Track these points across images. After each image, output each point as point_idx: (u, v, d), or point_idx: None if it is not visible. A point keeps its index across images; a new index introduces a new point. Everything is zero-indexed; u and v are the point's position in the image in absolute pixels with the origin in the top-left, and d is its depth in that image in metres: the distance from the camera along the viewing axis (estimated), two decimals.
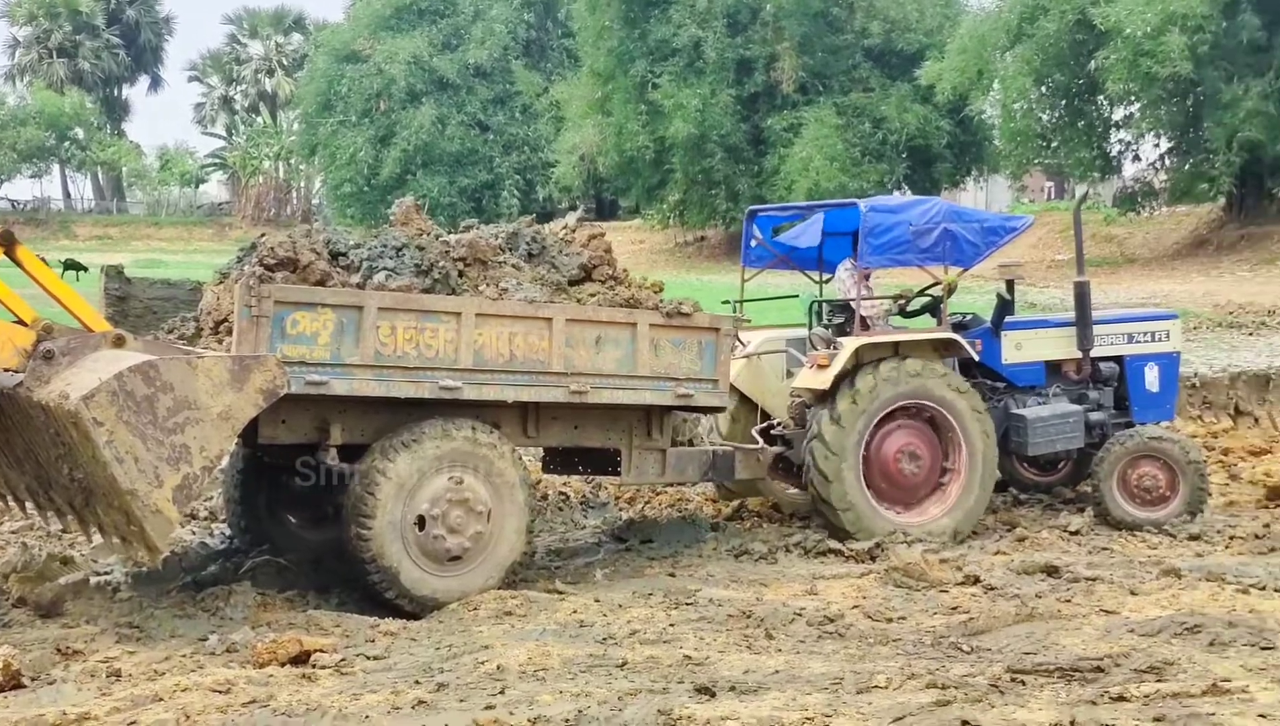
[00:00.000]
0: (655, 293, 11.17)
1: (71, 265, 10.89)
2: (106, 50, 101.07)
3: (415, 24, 70.81)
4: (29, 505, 10.49)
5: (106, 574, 10.84)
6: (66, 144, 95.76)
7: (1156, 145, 51.09)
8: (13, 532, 12.12)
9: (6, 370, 8.93)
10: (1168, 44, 40.57)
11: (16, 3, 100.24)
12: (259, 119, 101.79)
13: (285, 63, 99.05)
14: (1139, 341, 13.58)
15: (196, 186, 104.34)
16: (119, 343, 8.99)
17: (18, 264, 9.17)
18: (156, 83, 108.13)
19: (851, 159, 51.75)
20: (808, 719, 7.07)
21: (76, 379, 8.55)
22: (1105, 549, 11.81)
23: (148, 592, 10.27)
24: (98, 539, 9.98)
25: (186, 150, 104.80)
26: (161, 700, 7.59)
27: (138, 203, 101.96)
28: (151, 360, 8.54)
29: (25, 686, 7.94)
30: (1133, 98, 46.86)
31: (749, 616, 9.45)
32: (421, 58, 69.26)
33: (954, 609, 9.71)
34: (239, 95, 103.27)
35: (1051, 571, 10.74)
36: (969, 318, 13.38)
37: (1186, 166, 48.34)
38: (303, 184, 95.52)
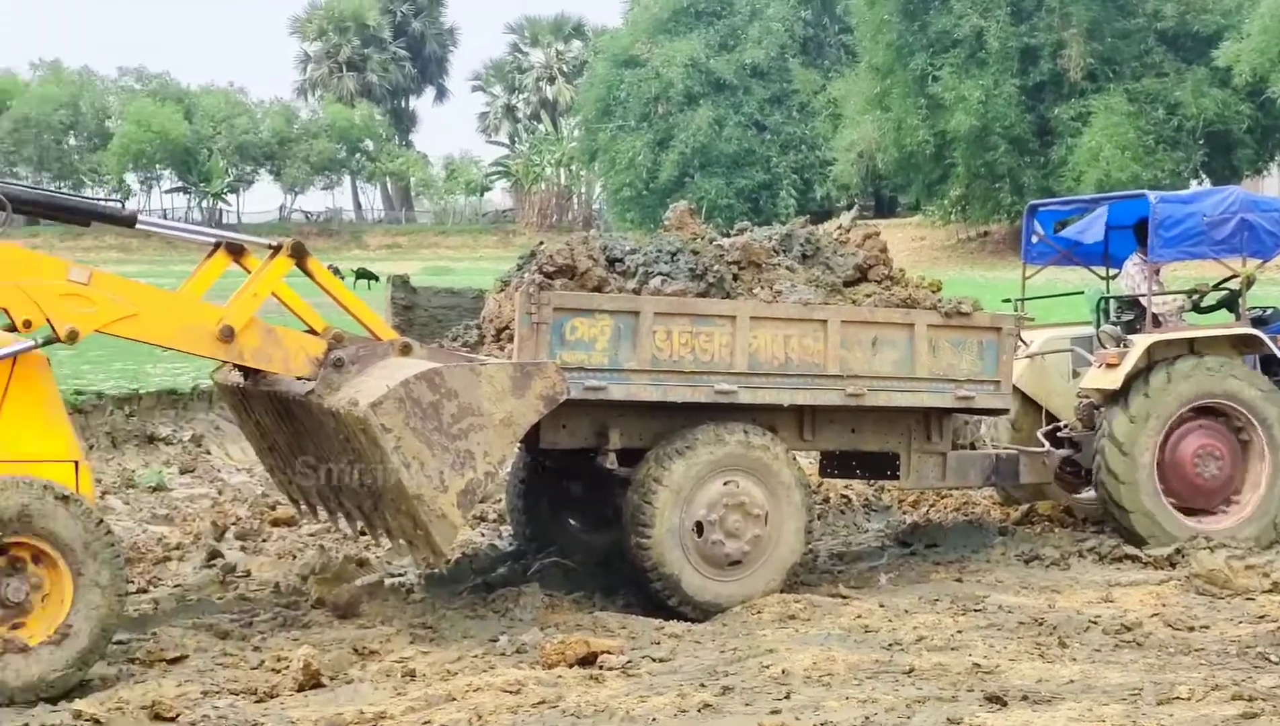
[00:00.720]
0: (933, 292, 10.95)
1: (363, 274, 11.24)
2: (394, 63, 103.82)
3: (692, 26, 71.19)
4: (320, 510, 10.76)
5: (400, 576, 11.14)
6: (356, 156, 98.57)
7: None
8: (310, 535, 12.54)
9: (299, 378, 9.19)
10: None
11: (306, 19, 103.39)
12: (540, 126, 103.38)
13: (565, 70, 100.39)
14: None
15: (481, 194, 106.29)
16: (405, 351, 9.16)
17: (308, 275, 9.38)
18: (441, 93, 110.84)
19: (1145, 147, 50.39)
20: None
21: (365, 386, 8.75)
22: None
23: (440, 594, 10.52)
24: (386, 542, 10.26)
25: (471, 159, 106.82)
26: (454, 700, 7.77)
27: (425, 211, 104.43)
28: (437, 368, 8.70)
29: (324, 685, 8.21)
30: None
31: (1041, 624, 9.28)
32: (699, 59, 69.58)
33: (1261, 617, 9.39)
34: (521, 103, 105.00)
35: None
36: (1269, 312, 12.87)
37: None
38: (583, 189, 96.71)
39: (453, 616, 9.88)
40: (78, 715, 7.54)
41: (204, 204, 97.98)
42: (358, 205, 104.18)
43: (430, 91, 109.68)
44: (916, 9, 54.90)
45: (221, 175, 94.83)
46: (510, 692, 7.86)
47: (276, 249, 9.30)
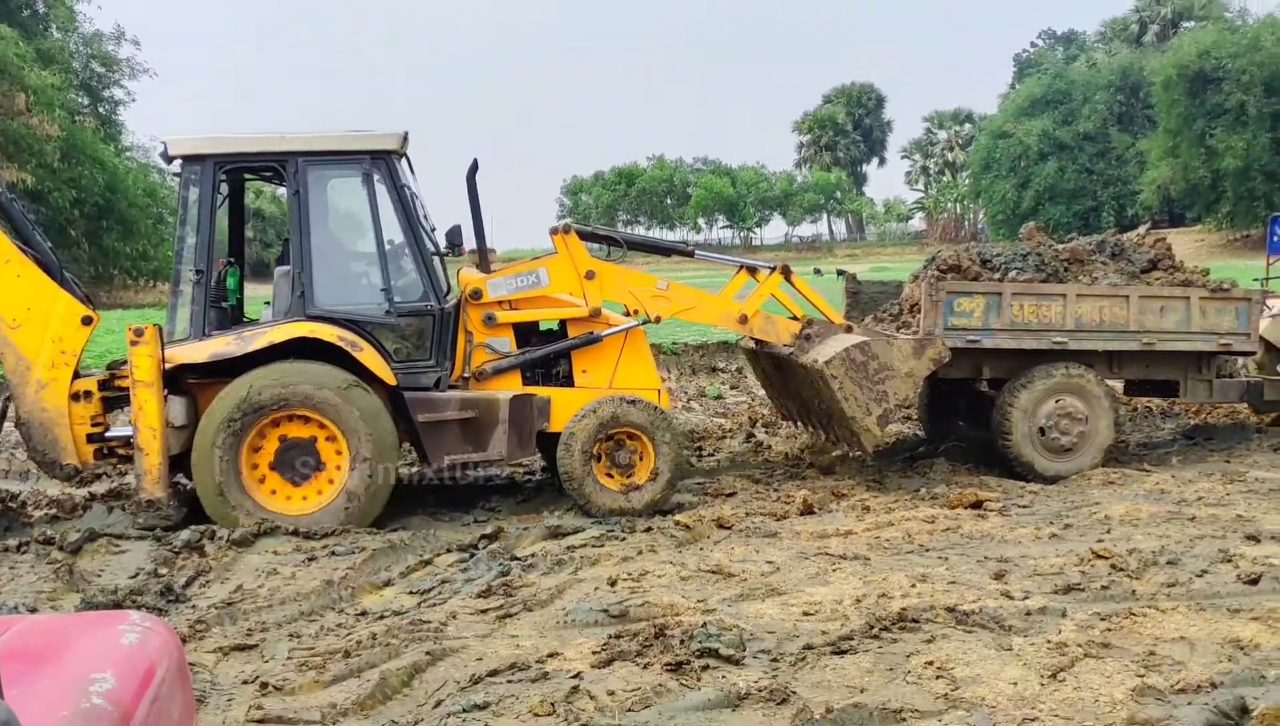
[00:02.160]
0: (1203, 276, 10.11)
1: (841, 272, 11.26)
2: (853, 144, 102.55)
3: (1044, 110, 67.03)
4: (799, 423, 10.96)
5: (858, 453, 11.11)
6: (831, 201, 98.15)
7: None
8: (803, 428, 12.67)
9: (785, 345, 9.31)
10: None
11: (801, 121, 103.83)
12: (944, 178, 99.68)
13: (960, 142, 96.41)
14: None
15: (906, 222, 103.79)
16: (849, 330, 9.18)
17: (792, 285, 9.51)
18: (882, 161, 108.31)
19: None
20: None
21: (823, 351, 8.83)
22: None
23: (884, 461, 10.43)
24: (837, 445, 10.24)
25: (900, 200, 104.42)
26: (893, 525, 7.73)
27: (872, 234, 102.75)
28: (866, 340, 8.74)
29: (815, 513, 8.32)
30: None
31: None
32: (1048, 131, 65.54)
33: None
34: (931, 164, 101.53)
35: None
36: None
37: None
38: (971, 216, 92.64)
39: (893, 475, 9.80)
40: (676, 523, 7.93)
41: (741, 234, 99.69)
42: (831, 231, 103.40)
43: (875, 160, 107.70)
44: (1198, 90, 49.89)
45: (751, 216, 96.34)
46: (928, 522, 7.75)
47: (773, 269, 9.48)
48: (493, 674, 4.90)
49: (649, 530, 7.82)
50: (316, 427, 8.10)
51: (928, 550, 7.02)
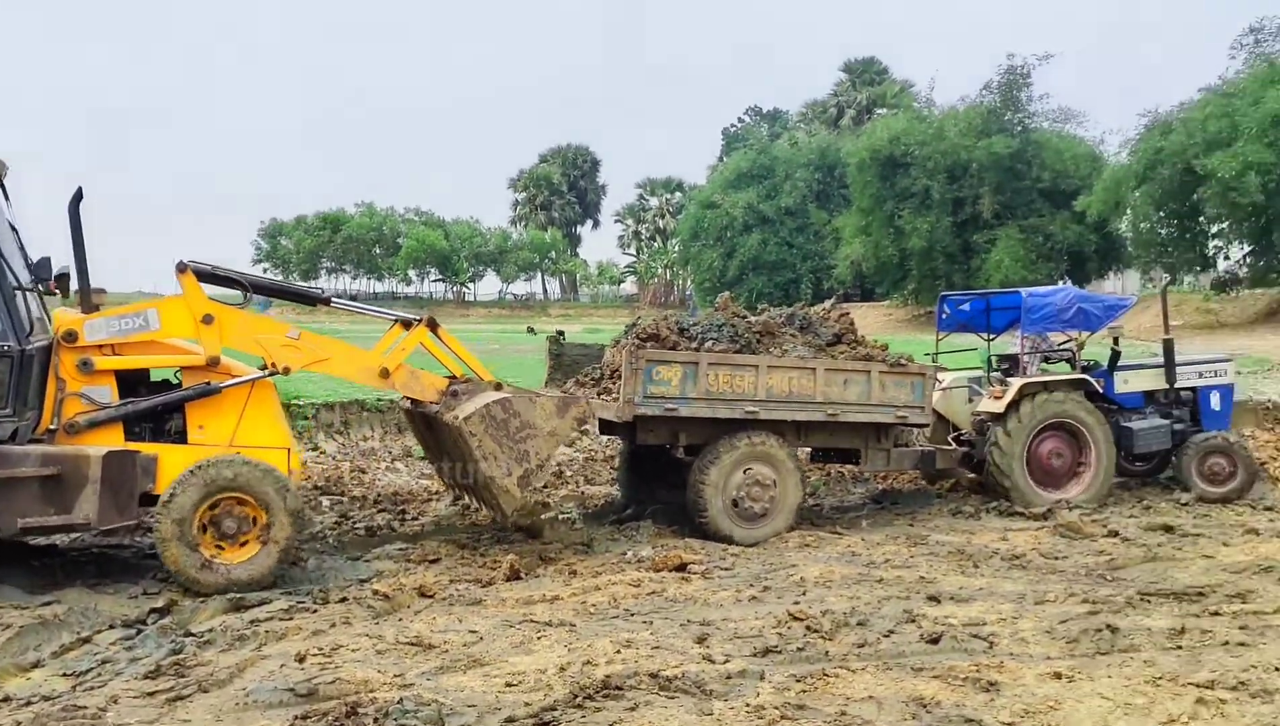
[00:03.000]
0: (883, 350, 11.07)
1: (561, 333, 11.38)
2: (568, 205, 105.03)
3: (749, 183, 71.12)
4: (457, 488, 10.46)
5: (568, 513, 11.19)
6: (545, 261, 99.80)
7: (1241, 248, 47.52)
8: None
9: (431, 403, 9.12)
10: (1248, 183, 37.95)
11: (517, 179, 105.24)
12: (655, 243, 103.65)
13: (670, 209, 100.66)
14: (1205, 376, 12.81)
15: (619, 284, 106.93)
16: (498, 387, 9.05)
17: (439, 338, 9.30)
18: (596, 223, 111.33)
19: (1029, 260, 49.79)
20: (1001, 619, 6.82)
21: (465, 407, 8.74)
22: (1205, 515, 10.98)
23: (592, 525, 10.57)
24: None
25: (613, 263, 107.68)
26: (600, 589, 7.82)
27: (585, 295, 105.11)
28: (508, 397, 8.74)
29: (522, 578, 8.29)
30: (1223, 218, 43.91)
31: (962, 552, 9.16)
32: (753, 203, 69.55)
33: (1100, 552, 9.20)
34: (643, 229, 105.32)
35: (1168, 529, 10.07)
36: (1093, 363, 12.80)
37: (1261, 263, 45.01)
38: (680, 282, 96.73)
39: (600, 538, 9.95)
40: (375, 593, 7.66)
41: (454, 288, 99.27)
42: (545, 290, 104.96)
43: (589, 222, 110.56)
44: (888, 173, 54.57)
45: (464, 271, 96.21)
46: (634, 586, 7.90)
47: (421, 322, 9.32)
48: None
49: (344, 600, 7.53)
50: None
51: (633, 615, 7.13)
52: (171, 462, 7.91)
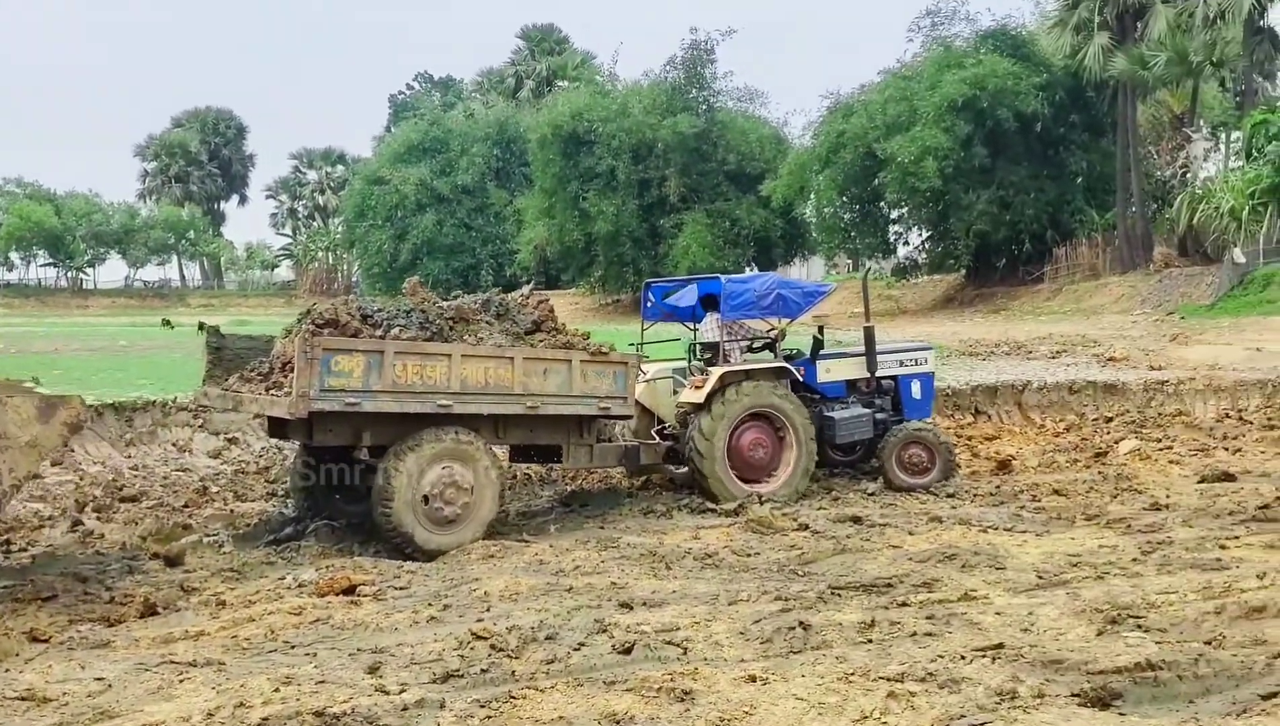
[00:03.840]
0: (584, 339, 11.26)
1: (203, 325, 10.71)
2: (209, 177, 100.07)
3: (421, 158, 70.43)
4: None
5: (214, 535, 10.66)
6: (182, 242, 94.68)
7: (920, 234, 51.98)
8: (149, 508, 11.90)
9: None
10: (925, 167, 41.51)
11: (146, 146, 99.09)
12: (315, 223, 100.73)
13: (332, 185, 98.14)
14: (906, 365, 13.84)
15: (272, 270, 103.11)
16: None
17: None
18: (244, 199, 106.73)
19: (717, 246, 52.18)
20: (695, 623, 7.09)
21: None
22: (892, 504, 11.94)
23: (244, 547, 10.14)
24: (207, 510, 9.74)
25: (264, 245, 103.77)
26: (254, 620, 7.52)
27: (232, 282, 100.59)
28: None
29: (159, 614, 7.82)
30: (903, 203, 47.84)
31: (655, 554, 9.46)
32: (426, 180, 68.94)
33: (792, 547, 9.77)
34: (300, 207, 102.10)
35: (856, 520, 10.84)
36: (795, 352, 13.55)
37: (939, 248, 49.37)
38: (344, 267, 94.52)
39: (253, 563, 9.56)
40: None
41: (69, 274, 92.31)
42: (182, 277, 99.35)
43: (235, 198, 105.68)
44: (571, 151, 55.54)
45: (82, 254, 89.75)
46: (294, 614, 7.65)
47: None
48: None
49: None
50: None
51: (294, 647, 6.89)
52: None
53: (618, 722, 5.43)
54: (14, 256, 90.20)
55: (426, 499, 9.92)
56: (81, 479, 13.58)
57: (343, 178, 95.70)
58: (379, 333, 10.06)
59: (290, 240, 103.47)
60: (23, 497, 12.33)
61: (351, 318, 10.10)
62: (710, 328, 13.31)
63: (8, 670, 6.50)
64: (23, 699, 5.85)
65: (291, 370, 9.59)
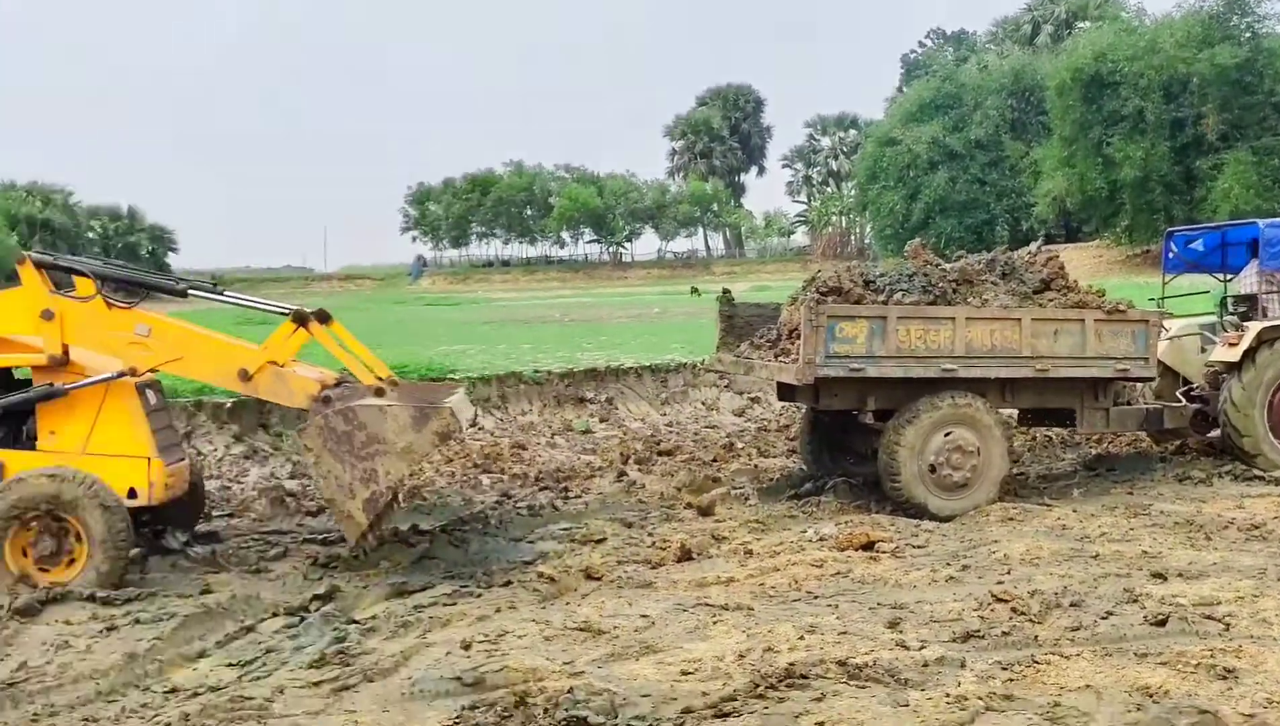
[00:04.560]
0: (1098, 297, 10.60)
1: (725, 293, 11.21)
2: (730, 151, 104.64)
3: (933, 115, 69.27)
4: None
5: (741, 489, 11.20)
6: (707, 214, 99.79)
7: None
8: (682, 461, 12.72)
9: (301, 408, 8.42)
10: None
11: (674, 126, 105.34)
12: (829, 188, 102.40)
13: (845, 149, 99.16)
14: None
15: (789, 236, 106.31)
16: (379, 393, 8.29)
17: (310, 333, 8.39)
18: (762, 170, 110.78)
19: (1263, 187, 47.11)
20: (1239, 597, 6.53)
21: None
22: None
23: (767, 500, 10.57)
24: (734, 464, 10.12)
25: (781, 213, 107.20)
26: (779, 570, 7.82)
27: (752, 250, 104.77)
28: (352, 407, 7.80)
29: (693, 559, 8.36)
30: None
31: (1192, 523, 8.80)
32: (938, 138, 67.76)
33: None
34: (814, 174, 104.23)
35: None
36: None
37: None
38: (858, 230, 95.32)
39: (776, 515, 9.93)
40: (539, 575, 7.86)
41: (610, 249, 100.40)
42: (708, 247, 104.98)
43: (754, 169, 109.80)
44: (1093, 95, 52.35)
45: (620, 230, 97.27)
46: (816, 566, 7.87)
47: (287, 315, 8.48)
48: None
49: (508, 584, 7.75)
50: None
51: (816, 597, 7.11)
52: (15, 470, 7.86)
53: (1150, 696, 5.13)
54: (565, 235, 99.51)
55: (933, 468, 9.84)
56: (625, 434, 14.82)
57: (855, 142, 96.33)
58: (881, 298, 10.07)
59: (805, 206, 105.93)
60: (577, 449, 13.68)
61: (854, 284, 10.20)
62: (1249, 278, 12.08)
63: (568, 603, 7.25)
64: (580, 629, 6.50)
65: (798, 337, 9.83)
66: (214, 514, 10.30)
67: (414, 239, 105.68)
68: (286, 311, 8.58)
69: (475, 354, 20.47)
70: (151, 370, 8.48)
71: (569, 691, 5.25)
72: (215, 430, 13.30)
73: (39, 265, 8.21)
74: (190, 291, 8.87)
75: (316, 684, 5.77)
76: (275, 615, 7.12)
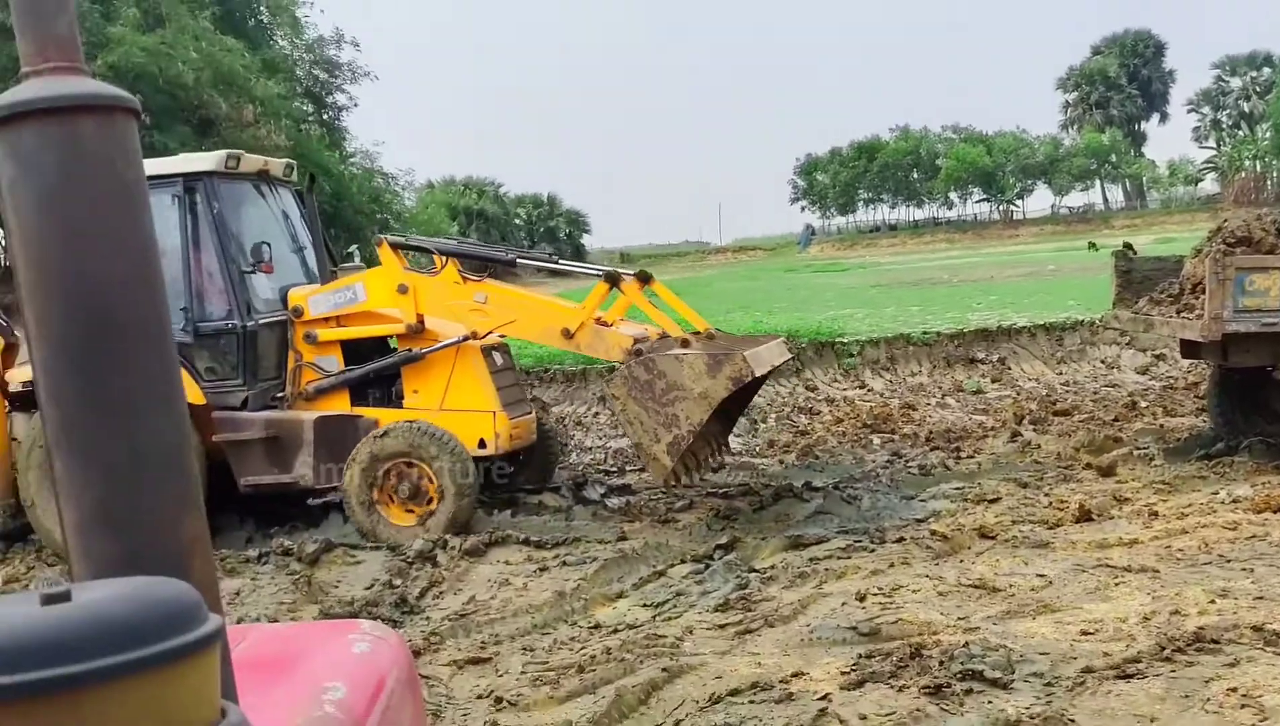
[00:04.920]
0: None
1: (1127, 247, 10.41)
2: (1128, 100, 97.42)
3: None
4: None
5: (1144, 448, 10.46)
6: (1104, 166, 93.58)
7: None
8: (1080, 421, 12.05)
9: (618, 362, 8.67)
10: None
11: (1066, 77, 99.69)
12: (1240, 132, 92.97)
13: (1258, 89, 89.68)
14: None
15: (1195, 185, 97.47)
16: (685, 343, 8.51)
17: (620, 291, 8.85)
18: (1164, 117, 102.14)
19: None
20: None
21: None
22: None
23: (1174, 461, 9.82)
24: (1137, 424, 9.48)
25: (1187, 160, 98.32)
26: (1187, 533, 7.29)
27: (1154, 200, 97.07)
28: (651, 357, 8.07)
29: (1093, 520, 7.93)
30: None
31: None
32: None
33: None
34: (1224, 117, 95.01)
35: None
36: None
37: None
38: (1274, 175, 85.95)
39: (1184, 476, 9.21)
40: (933, 533, 7.74)
41: (1000, 207, 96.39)
42: (1105, 200, 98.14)
43: (1155, 117, 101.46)
44: None
45: (1010, 187, 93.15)
46: (1229, 529, 7.27)
47: (600, 277, 8.98)
48: (733, 693, 4.94)
49: (901, 540, 7.69)
50: None
51: (1229, 561, 6.56)
52: (385, 425, 8.67)
53: None
54: (953, 196, 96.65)
55: None
56: (1018, 394, 14.25)
57: (1269, 81, 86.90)
58: None
59: (1214, 152, 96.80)
60: (968, 410, 13.31)
61: (1266, 233, 9.18)
62: None
63: (961, 561, 7.10)
64: (974, 586, 6.36)
65: (1202, 291, 9.01)
66: (627, 469, 10.89)
67: (802, 209, 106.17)
68: (598, 272, 9.25)
69: (863, 317, 20.34)
70: (492, 333, 9.24)
71: (964, 645, 5.17)
72: None
73: (394, 246, 9.19)
74: (519, 260, 9.71)
75: (722, 626, 6.00)
76: (683, 561, 7.46)
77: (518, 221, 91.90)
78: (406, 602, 6.89)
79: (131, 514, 1.23)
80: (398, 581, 7.38)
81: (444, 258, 9.10)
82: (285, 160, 10.15)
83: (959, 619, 5.74)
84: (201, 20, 37.80)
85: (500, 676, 5.53)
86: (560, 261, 10.45)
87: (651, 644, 5.71)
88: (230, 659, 1.26)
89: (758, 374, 7.99)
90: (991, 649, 5.12)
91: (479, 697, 5.26)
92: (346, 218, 45.36)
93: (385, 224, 47.56)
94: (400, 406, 9.09)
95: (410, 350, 9.06)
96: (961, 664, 4.95)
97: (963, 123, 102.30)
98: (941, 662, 5.01)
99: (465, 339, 8.98)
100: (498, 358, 9.33)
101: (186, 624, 0.98)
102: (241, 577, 7.69)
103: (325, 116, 50.39)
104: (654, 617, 6.32)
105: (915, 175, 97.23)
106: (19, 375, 9.10)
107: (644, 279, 8.96)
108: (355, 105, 50.19)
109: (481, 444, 8.79)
